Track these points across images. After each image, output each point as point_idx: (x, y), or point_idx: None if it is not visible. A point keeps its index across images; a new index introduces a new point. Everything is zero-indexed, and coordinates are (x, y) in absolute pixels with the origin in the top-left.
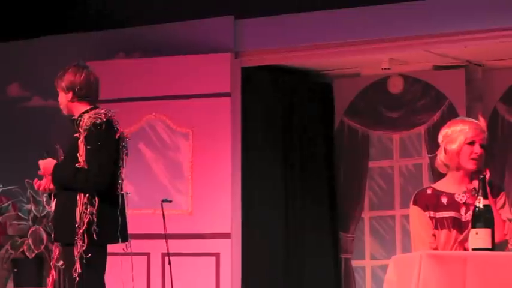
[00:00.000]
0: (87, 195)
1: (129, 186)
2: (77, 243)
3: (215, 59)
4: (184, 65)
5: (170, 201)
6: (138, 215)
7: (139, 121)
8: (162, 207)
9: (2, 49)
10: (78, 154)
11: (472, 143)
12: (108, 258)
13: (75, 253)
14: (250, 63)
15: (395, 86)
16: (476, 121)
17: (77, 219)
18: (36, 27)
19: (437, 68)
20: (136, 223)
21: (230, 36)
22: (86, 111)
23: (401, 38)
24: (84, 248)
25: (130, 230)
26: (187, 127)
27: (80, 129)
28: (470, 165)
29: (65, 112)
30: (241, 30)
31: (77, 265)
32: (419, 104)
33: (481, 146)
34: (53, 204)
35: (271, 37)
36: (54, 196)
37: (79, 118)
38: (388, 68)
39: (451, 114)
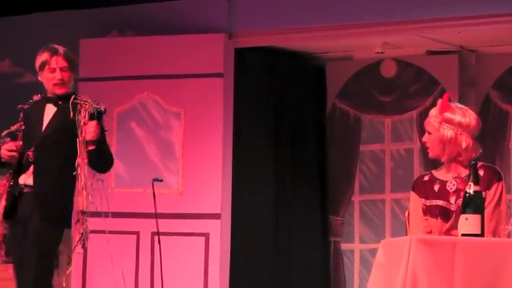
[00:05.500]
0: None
1: (120, 165)
2: (76, 223)
3: (208, 39)
4: (177, 44)
5: (161, 181)
6: (128, 193)
7: (131, 100)
8: (152, 186)
9: None
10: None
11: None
12: (95, 236)
13: (78, 234)
14: (244, 44)
15: (388, 70)
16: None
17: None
18: (30, 3)
19: (431, 53)
20: (127, 202)
21: (224, 17)
22: (73, 93)
23: (395, 22)
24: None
25: (121, 208)
26: (179, 107)
27: (82, 110)
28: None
29: (68, 90)
30: (235, 11)
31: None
32: (411, 89)
33: (428, 132)
34: (26, 177)
35: (265, 19)
36: (35, 168)
37: (76, 100)
38: (382, 52)
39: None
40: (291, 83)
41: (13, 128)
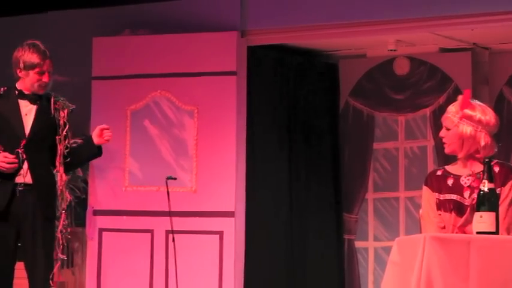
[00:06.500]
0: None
1: (134, 163)
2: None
3: (221, 37)
4: (190, 42)
5: (175, 179)
6: (142, 192)
7: (144, 98)
8: (166, 184)
9: (10, 23)
10: (67, 133)
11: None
12: (109, 234)
13: (60, 228)
14: (257, 42)
15: (401, 68)
16: (455, 103)
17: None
18: (43, 2)
19: (444, 50)
20: (141, 200)
21: (237, 15)
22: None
23: (408, 20)
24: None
25: (134, 206)
26: (192, 105)
27: (59, 108)
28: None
29: (47, 89)
30: (248, 8)
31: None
32: (425, 86)
33: (446, 128)
34: (23, 176)
35: (278, 16)
36: (30, 166)
37: (56, 99)
38: (395, 50)
39: (456, 97)
40: (304, 80)
41: None
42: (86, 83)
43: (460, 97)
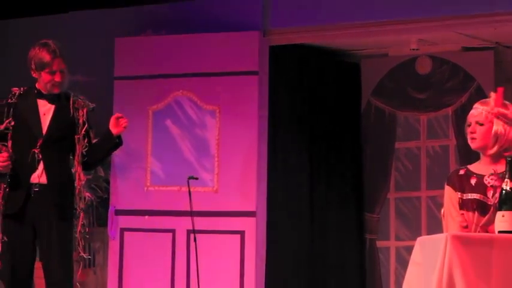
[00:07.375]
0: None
1: (156, 163)
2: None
3: (243, 37)
4: (212, 42)
5: (197, 179)
6: (164, 191)
7: (166, 98)
8: (188, 184)
9: (33, 23)
10: (86, 131)
11: (469, 125)
12: (132, 234)
13: (79, 228)
14: (278, 41)
15: (423, 67)
16: (484, 100)
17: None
18: (66, 2)
19: (466, 49)
20: (162, 200)
21: (258, 15)
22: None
23: (431, 19)
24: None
25: (156, 206)
26: (214, 105)
27: (78, 107)
28: (471, 145)
29: (63, 88)
30: (269, 8)
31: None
32: (447, 85)
33: (479, 123)
34: (38, 176)
35: (300, 16)
36: (46, 166)
37: (74, 98)
38: (417, 49)
39: (479, 96)
40: (325, 80)
41: (2, 126)
42: (108, 83)
43: (492, 94)
